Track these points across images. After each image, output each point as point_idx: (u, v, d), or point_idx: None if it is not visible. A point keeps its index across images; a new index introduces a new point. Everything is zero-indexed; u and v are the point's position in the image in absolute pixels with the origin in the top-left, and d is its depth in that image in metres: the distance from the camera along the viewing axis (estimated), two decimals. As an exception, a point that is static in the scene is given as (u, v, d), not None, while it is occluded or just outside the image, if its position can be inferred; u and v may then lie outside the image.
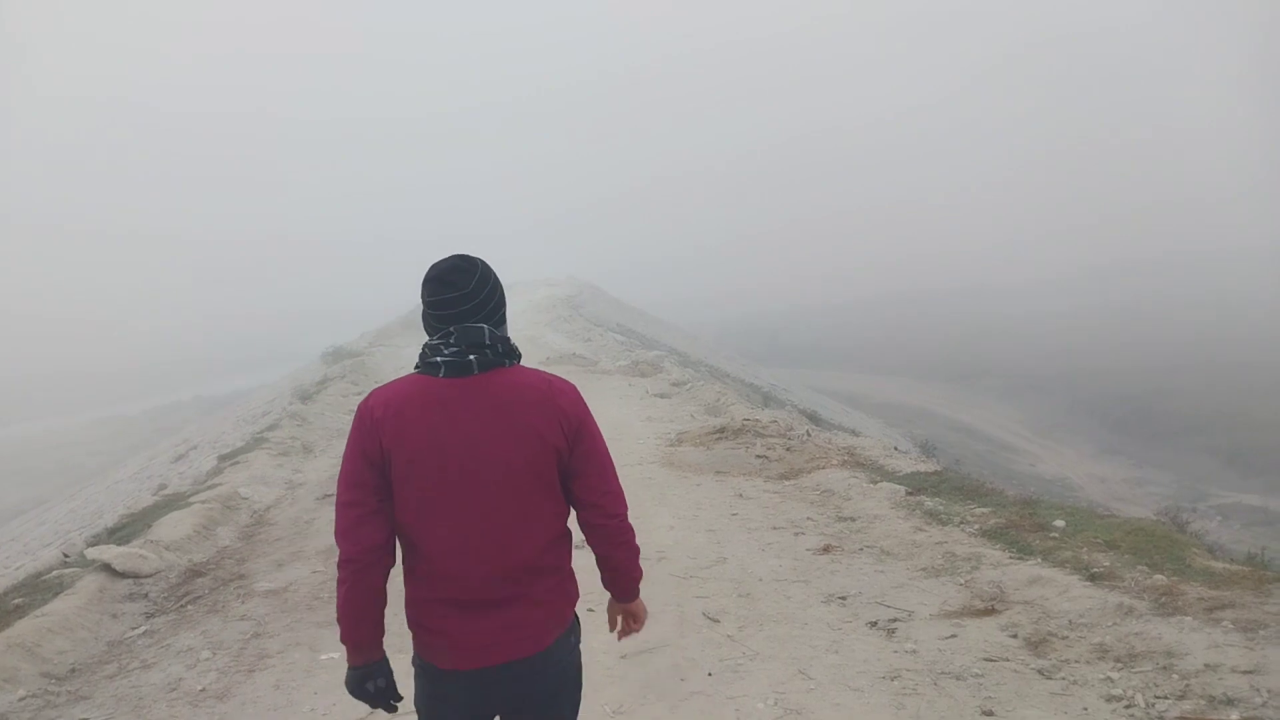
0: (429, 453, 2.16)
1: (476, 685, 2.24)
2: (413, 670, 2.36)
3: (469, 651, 2.22)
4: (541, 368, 18.55)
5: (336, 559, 2.21)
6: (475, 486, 2.18)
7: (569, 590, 2.45)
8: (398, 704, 2.30)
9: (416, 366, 2.26)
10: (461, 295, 2.21)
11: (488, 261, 2.34)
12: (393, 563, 2.24)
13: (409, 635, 2.34)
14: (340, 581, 2.19)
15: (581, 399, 2.35)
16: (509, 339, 2.31)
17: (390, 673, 2.28)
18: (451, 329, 2.21)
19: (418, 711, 2.37)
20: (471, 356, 2.19)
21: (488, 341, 2.21)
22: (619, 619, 2.70)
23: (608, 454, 2.39)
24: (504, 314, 2.34)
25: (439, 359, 2.20)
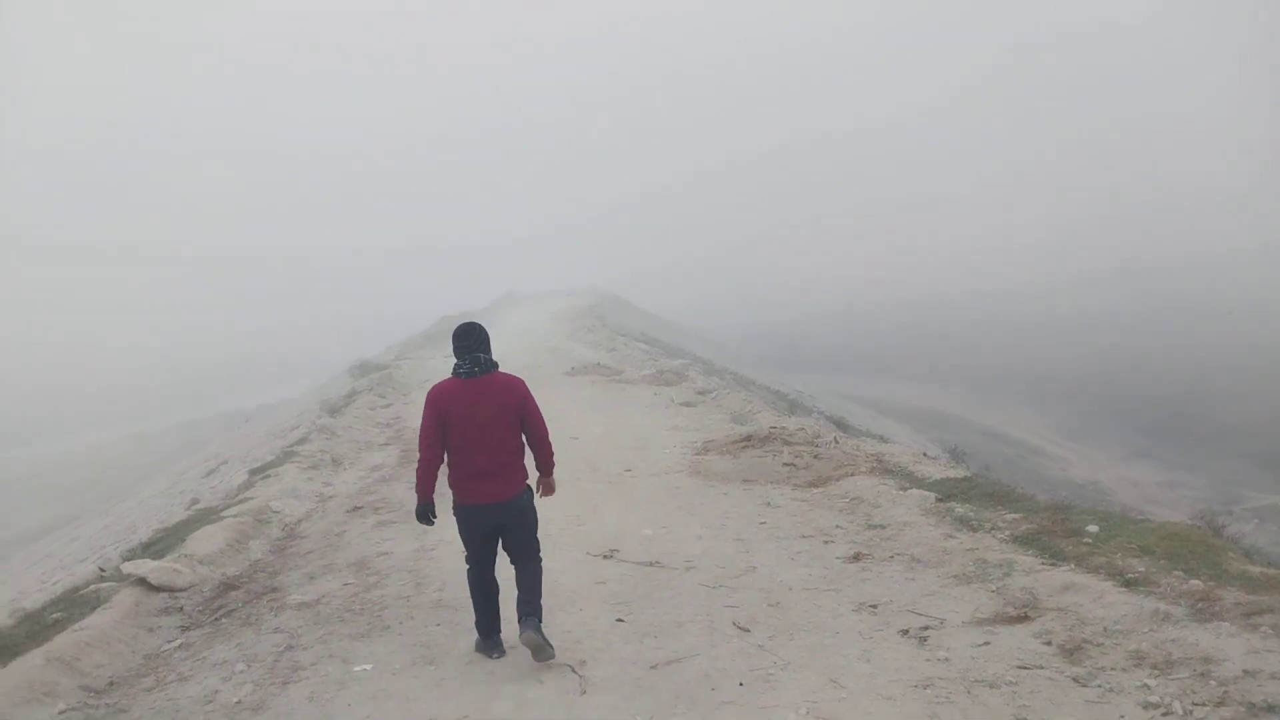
0: (461, 412, 4.82)
1: (482, 512, 4.91)
2: (452, 511, 4.98)
3: (479, 496, 4.88)
4: (566, 378, 18.64)
5: (418, 457, 4.96)
6: (480, 427, 4.82)
7: (522, 474, 5.01)
8: (434, 520, 5.01)
9: (453, 374, 4.92)
10: (469, 341, 4.88)
11: (482, 318, 4.69)
12: (441, 463, 4.93)
13: (449, 496, 4.97)
14: (419, 469, 4.94)
15: (526, 387, 5.02)
16: (492, 358, 4.94)
17: (433, 505, 4.97)
18: (467, 356, 4.86)
19: (459, 530, 5.04)
20: (476, 369, 4.86)
21: (482, 361, 4.88)
22: (542, 487, 5.27)
23: (538, 411, 5.03)
24: (489, 345, 4.98)
25: (462, 370, 4.88)
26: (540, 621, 4.83)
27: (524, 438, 4.99)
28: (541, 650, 4.72)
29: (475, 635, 5.13)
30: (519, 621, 4.85)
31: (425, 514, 4.94)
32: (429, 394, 4.90)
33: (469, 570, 5.03)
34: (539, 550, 5.07)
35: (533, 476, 5.12)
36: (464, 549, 5.04)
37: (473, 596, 5.04)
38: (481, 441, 4.79)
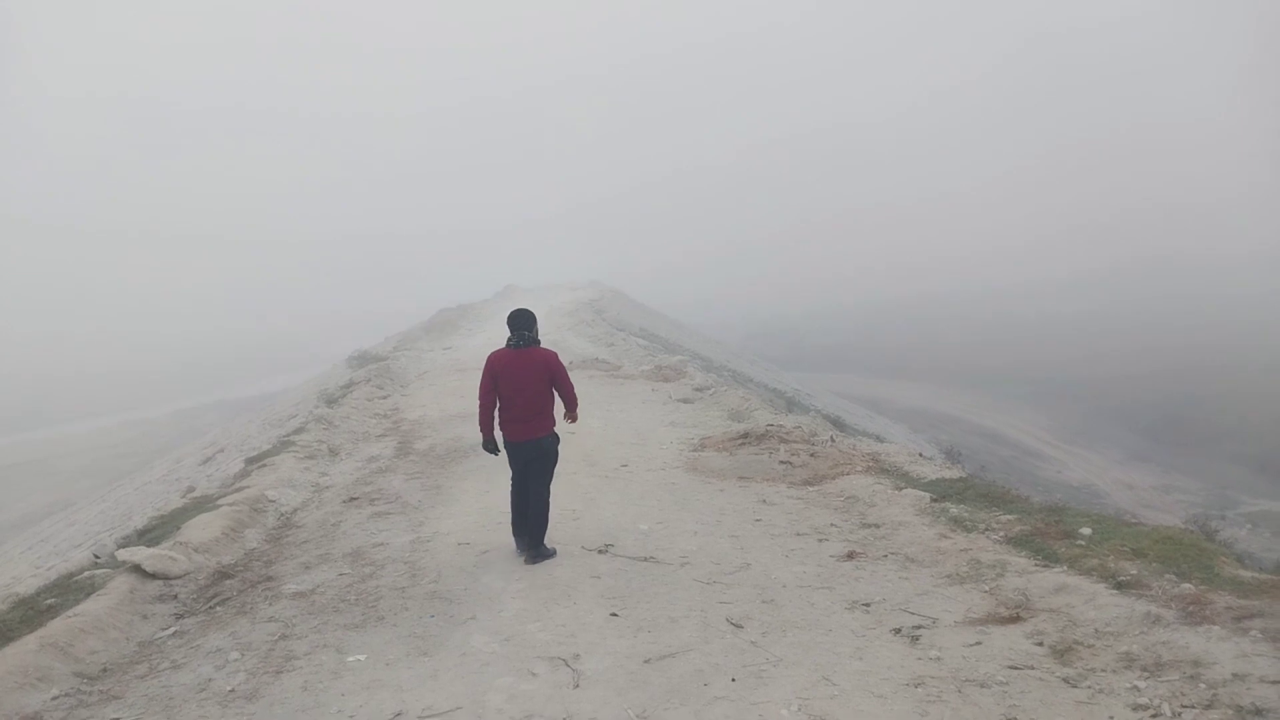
0: (508, 374, 6.52)
1: (518, 447, 6.66)
2: (501, 443, 6.70)
3: (517, 435, 6.61)
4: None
5: (478, 404, 6.76)
6: (520, 385, 6.51)
7: (550, 423, 6.69)
8: (498, 452, 6.74)
9: (506, 345, 6.61)
10: (519, 322, 6.63)
11: (535, 307, 5.75)
12: (494, 409, 6.65)
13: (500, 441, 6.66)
14: (479, 414, 6.76)
15: (557, 358, 6.69)
16: (535, 335, 6.68)
17: (495, 440, 6.70)
18: (516, 332, 6.58)
19: (508, 459, 6.78)
20: (521, 342, 6.56)
21: (526, 338, 6.59)
22: (569, 417, 6.80)
23: (567, 375, 6.74)
24: (534, 325, 6.73)
25: (512, 343, 6.57)
26: (540, 542, 6.59)
27: (555, 394, 6.65)
28: (538, 558, 6.49)
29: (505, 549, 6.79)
30: (526, 548, 6.58)
31: (490, 446, 6.68)
32: (488, 358, 6.69)
33: (512, 487, 6.81)
34: (550, 481, 6.74)
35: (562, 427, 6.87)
36: (510, 471, 6.83)
37: (512, 503, 6.81)
38: (520, 395, 6.47)
